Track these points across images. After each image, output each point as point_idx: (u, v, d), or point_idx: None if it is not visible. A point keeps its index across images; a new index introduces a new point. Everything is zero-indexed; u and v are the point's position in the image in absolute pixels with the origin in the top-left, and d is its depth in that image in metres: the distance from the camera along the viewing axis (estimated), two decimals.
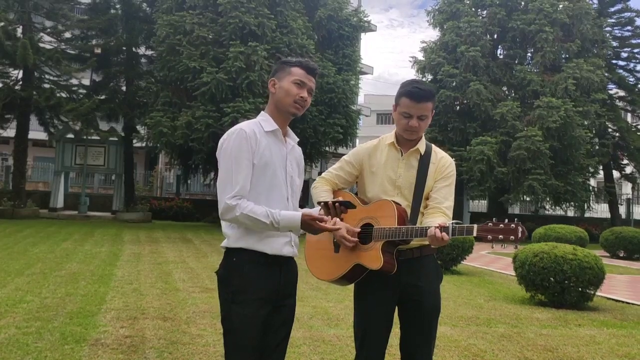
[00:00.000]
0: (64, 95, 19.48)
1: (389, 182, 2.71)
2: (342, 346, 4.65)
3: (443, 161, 2.75)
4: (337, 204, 2.40)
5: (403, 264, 2.62)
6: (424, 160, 2.71)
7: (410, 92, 2.64)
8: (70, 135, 20.01)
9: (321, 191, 2.82)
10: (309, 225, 2.29)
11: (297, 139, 2.57)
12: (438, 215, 2.64)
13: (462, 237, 2.54)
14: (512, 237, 2.39)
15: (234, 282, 2.32)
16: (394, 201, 2.62)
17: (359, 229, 2.62)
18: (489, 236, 2.42)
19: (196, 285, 7.21)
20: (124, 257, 9.69)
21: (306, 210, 2.35)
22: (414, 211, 2.67)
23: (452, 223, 2.44)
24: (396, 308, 2.73)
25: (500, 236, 2.40)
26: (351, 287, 2.79)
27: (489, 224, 2.44)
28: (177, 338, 4.69)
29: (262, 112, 2.50)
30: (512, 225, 2.40)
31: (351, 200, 2.77)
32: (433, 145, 2.80)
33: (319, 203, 2.50)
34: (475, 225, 2.43)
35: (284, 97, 2.40)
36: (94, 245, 11.30)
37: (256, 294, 2.29)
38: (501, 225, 2.42)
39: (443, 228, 2.41)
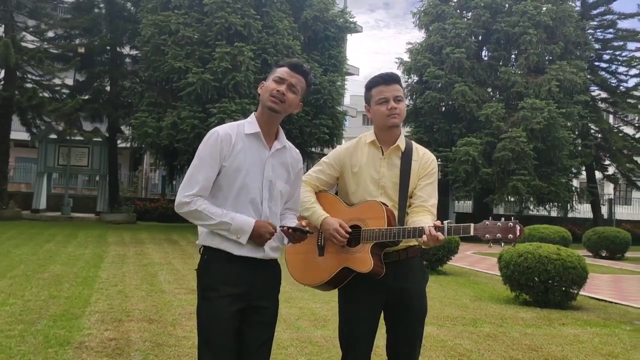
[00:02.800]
0: (46, 95, 19.24)
1: (372, 182, 2.67)
2: (330, 347, 4.64)
3: (425, 158, 2.72)
4: (290, 229, 2.36)
5: (389, 266, 2.59)
6: (406, 158, 2.68)
7: (378, 76, 2.67)
8: (53, 136, 19.76)
9: (302, 193, 2.75)
10: (261, 227, 2.30)
11: (286, 142, 2.51)
12: (424, 213, 2.61)
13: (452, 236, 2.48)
14: (510, 235, 2.34)
15: (204, 279, 2.36)
16: (381, 202, 2.60)
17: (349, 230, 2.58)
18: (486, 235, 2.37)
19: (182, 287, 7.16)
20: (109, 259, 9.59)
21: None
22: (401, 211, 2.63)
23: (447, 222, 2.40)
24: (382, 310, 2.70)
25: (498, 235, 2.35)
26: (327, 291, 2.76)
27: (486, 222, 2.39)
28: (163, 340, 4.65)
29: (252, 114, 2.50)
30: (510, 223, 2.35)
31: (333, 203, 2.73)
32: (413, 142, 2.77)
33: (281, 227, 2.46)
34: (472, 225, 2.38)
35: (264, 94, 2.42)
36: (78, 247, 11.18)
37: (224, 291, 2.30)
38: (498, 224, 2.37)
39: (438, 228, 2.38)
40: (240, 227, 2.31)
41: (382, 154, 2.70)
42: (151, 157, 22.30)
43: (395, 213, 2.62)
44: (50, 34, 20.31)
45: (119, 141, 21.11)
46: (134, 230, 16.12)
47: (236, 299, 2.31)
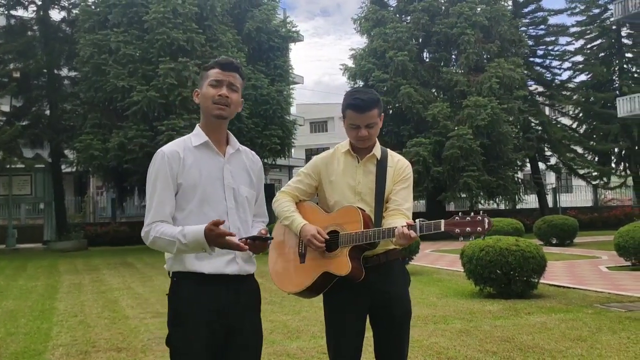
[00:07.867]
0: None
1: (349, 190, 2.70)
2: (308, 358, 4.60)
3: (400, 164, 2.77)
4: (249, 239, 2.22)
5: (370, 270, 2.61)
6: (382, 165, 2.72)
7: (351, 104, 2.64)
8: None
9: (282, 202, 2.78)
10: (214, 237, 2.07)
11: (239, 146, 2.42)
12: (399, 216, 2.65)
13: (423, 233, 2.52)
14: (479, 228, 2.38)
15: (174, 305, 2.22)
16: (358, 207, 2.62)
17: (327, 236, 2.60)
18: (456, 230, 2.41)
19: (147, 311, 6.94)
20: (64, 289, 9.21)
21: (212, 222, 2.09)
22: (377, 215, 2.67)
23: (419, 221, 2.44)
24: (368, 314, 2.72)
25: (467, 229, 2.40)
26: (310, 298, 2.77)
27: (456, 218, 2.44)
28: None
29: (197, 125, 2.38)
30: (479, 217, 2.40)
31: (313, 211, 2.74)
32: (388, 150, 2.81)
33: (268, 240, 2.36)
34: (443, 221, 2.42)
35: (205, 102, 2.29)
36: (29, 280, 10.68)
37: (196, 316, 2.17)
38: (468, 218, 2.42)
39: (410, 226, 2.42)
40: (195, 241, 2.09)
41: (358, 162, 2.73)
42: (99, 180, 21.61)
43: (372, 217, 2.66)
44: None
45: (63, 166, 20.37)
46: (86, 257, 15.56)
47: (210, 323, 2.18)
